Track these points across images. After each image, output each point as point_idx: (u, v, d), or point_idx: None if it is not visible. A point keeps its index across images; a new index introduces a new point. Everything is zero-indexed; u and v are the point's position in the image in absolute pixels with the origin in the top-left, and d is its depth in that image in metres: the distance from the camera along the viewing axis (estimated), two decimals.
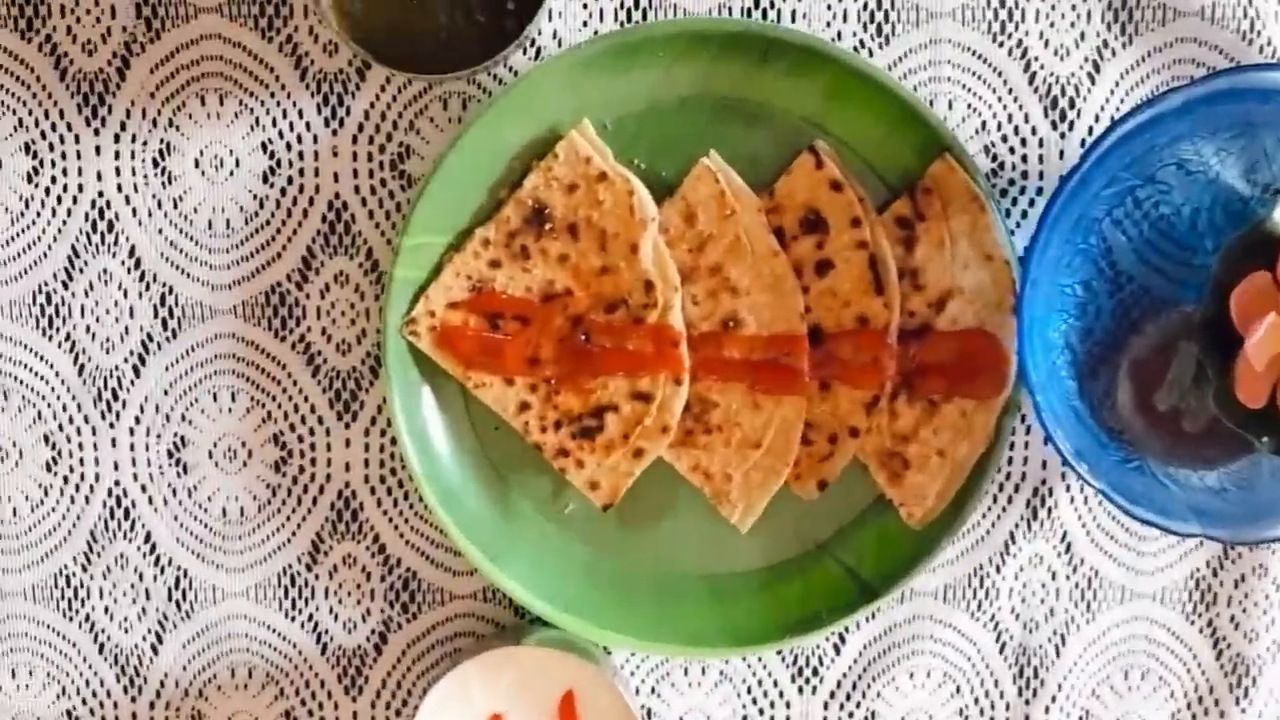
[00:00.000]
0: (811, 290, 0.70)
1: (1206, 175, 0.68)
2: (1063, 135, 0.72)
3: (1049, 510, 0.73)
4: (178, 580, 0.73)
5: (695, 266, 0.70)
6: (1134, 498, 0.65)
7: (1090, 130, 0.72)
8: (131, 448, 0.73)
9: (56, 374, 0.73)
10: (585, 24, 0.71)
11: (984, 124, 0.72)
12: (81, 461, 0.73)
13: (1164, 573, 0.73)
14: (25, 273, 0.72)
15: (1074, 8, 0.71)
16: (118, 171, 0.72)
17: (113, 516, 0.73)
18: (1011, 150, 0.72)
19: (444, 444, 0.71)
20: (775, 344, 0.70)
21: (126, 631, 0.74)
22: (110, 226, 0.72)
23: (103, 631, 0.74)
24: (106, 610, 0.74)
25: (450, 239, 0.70)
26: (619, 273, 0.69)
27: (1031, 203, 0.72)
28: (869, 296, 0.69)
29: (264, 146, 0.71)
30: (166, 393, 0.73)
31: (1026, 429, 0.73)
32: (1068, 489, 0.73)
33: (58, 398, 0.73)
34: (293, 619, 0.73)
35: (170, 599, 0.73)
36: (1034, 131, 0.72)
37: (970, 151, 0.70)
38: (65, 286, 0.72)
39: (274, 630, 0.74)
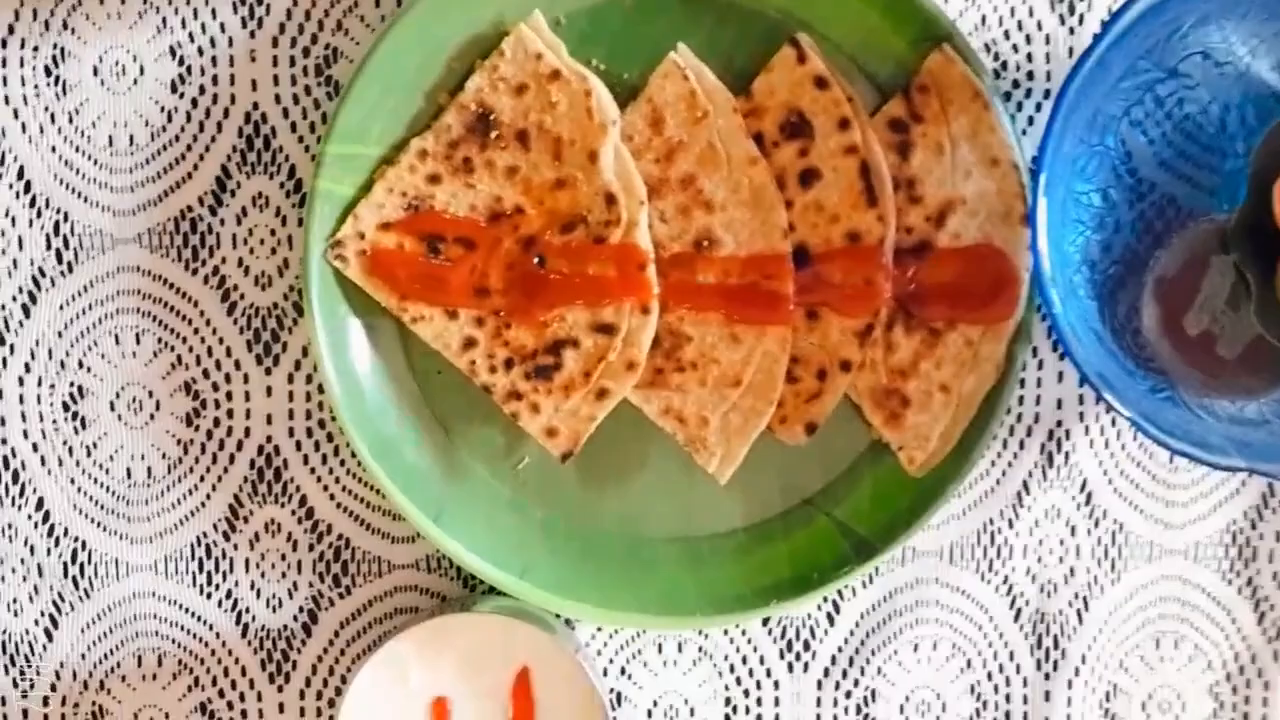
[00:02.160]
0: (795, 204, 0.64)
1: (1236, 68, 0.63)
2: (1071, 30, 0.66)
3: (1066, 456, 0.68)
4: (75, 554, 0.68)
5: (664, 179, 0.64)
6: (1167, 430, 0.58)
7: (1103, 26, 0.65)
8: (21, 400, 0.68)
9: None
10: None
11: (983, 19, 0.66)
12: None
13: (1197, 525, 0.68)
14: None
15: None
16: (4, 81, 0.67)
17: None
18: (1015, 48, 0.66)
19: (378, 389, 0.66)
20: (755, 266, 0.64)
21: (16, 615, 0.68)
22: None
23: None
24: None
25: (382, 150, 0.65)
26: (576, 186, 0.63)
27: (1038, 107, 0.66)
28: (860, 210, 0.63)
29: (172, 51, 0.66)
30: (61, 335, 0.67)
31: (1039, 364, 0.67)
32: (1086, 431, 0.67)
33: None
34: (208, 596, 0.68)
35: (66, 576, 0.68)
36: (1039, 26, 0.66)
37: None
38: None
39: (187, 610, 0.68)
